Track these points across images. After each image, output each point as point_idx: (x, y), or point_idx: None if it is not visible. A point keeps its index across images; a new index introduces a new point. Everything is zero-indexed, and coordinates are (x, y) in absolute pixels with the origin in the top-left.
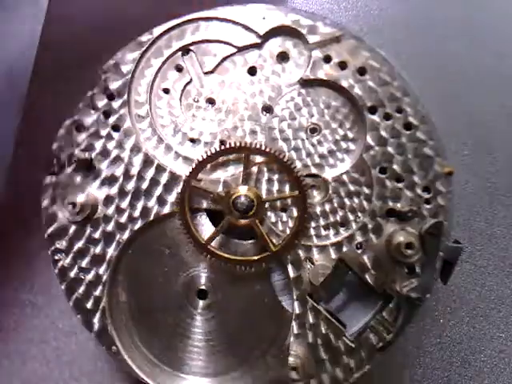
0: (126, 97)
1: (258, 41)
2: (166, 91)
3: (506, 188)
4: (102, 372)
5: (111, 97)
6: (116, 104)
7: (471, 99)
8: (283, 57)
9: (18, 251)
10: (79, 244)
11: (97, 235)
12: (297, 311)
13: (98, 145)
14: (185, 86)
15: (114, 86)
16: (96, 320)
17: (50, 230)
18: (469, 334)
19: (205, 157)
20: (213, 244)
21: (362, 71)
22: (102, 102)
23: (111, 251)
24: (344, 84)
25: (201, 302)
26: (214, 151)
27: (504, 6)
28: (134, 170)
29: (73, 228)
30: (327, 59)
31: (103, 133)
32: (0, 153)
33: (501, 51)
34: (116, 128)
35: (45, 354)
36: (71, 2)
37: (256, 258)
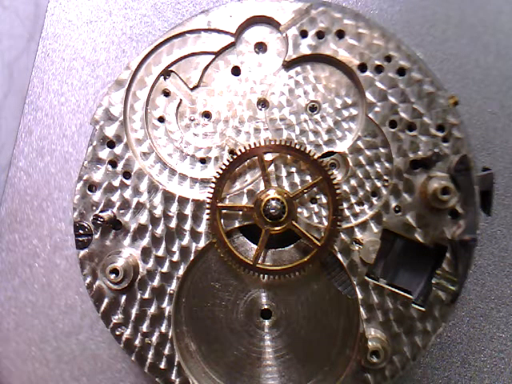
0: (125, 139)
1: (233, 39)
2: (161, 119)
3: (506, 188)
4: (102, 372)
5: (111, 144)
6: (118, 149)
7: (471, 99)
8: (261, 46)
9: (19, 251)
10: (134, 311)
11: (147, 295)
12: (360, 296)
13: (116, 198)
14: (177, 108)
15: (110, 132)
16: (174, 376)
17: (103, 307)
18: (468, 334)
19: (221, 172)
20: (259, 261)
21: (340, 34)
22: (104, 153)
23: (166, 306)
24: (328, 52)
25: (267, 322)
26: (227, 164)
27: (504, 6)
28: (159, 211)
29: (123, 297)
30: (304, 34)
31: (116, 183)
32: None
33: (501, 51)
34: (127, 174)
35: (45, 354)
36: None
37: (306, 259)
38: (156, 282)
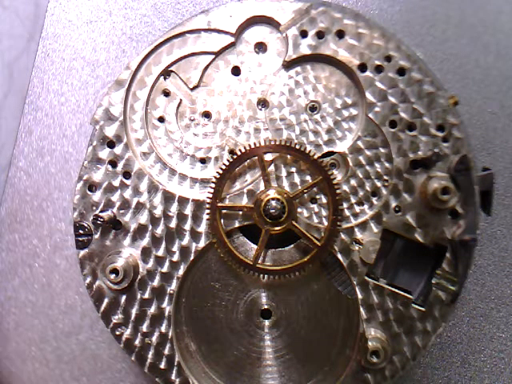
0: (125, 139)
1: (233, 39)
2: (161, 119)
3: (506, 188)
4: (102, 372)
5: (111, 144)
6: (118, 149)
7: (471, 99)
8: (261, 46)
9: (19, 251)
10: (134, 311)
11: (147, 295)
12: (360, 296)
13: (116, 198)
14: (177, 108)
15: (110, 132)
16: (174, 376)
17: (103, 307)
18: (468, 334)
19: (221, 172)
20: (259, 261)
21: (340, 34)
22: (104, 153)
23: (166, 306)
24: (328, 52)
25: (267, 322)
26: (227, 164)
27: (504, 6)
28: (159, 211)
29: (123, 297)
30: (304, 34)
31: (116, 183)
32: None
33: (501, 51)
34: (127, 174)
35: (45, 354)
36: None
37: (306, 259)
38: (156, 282)
